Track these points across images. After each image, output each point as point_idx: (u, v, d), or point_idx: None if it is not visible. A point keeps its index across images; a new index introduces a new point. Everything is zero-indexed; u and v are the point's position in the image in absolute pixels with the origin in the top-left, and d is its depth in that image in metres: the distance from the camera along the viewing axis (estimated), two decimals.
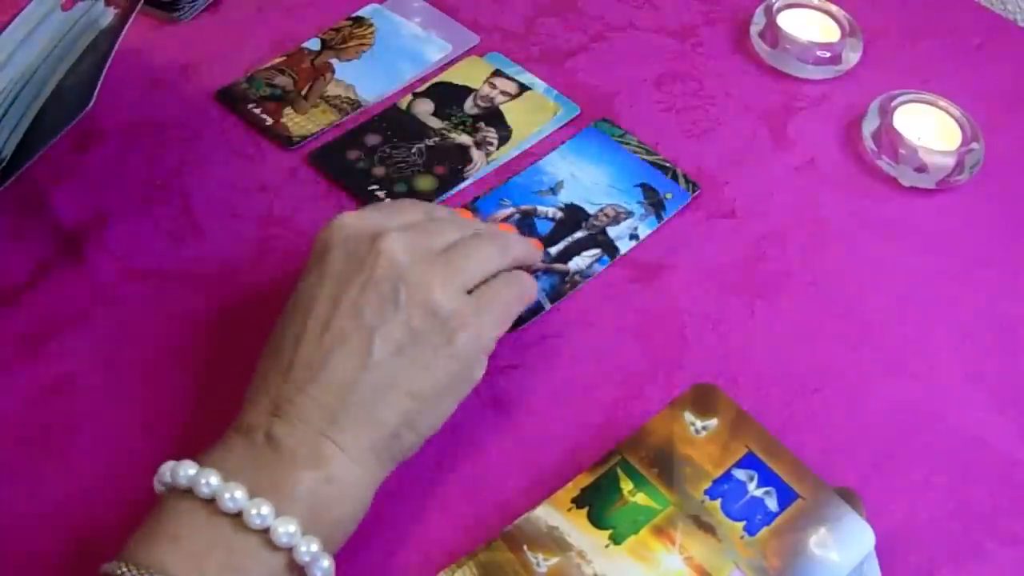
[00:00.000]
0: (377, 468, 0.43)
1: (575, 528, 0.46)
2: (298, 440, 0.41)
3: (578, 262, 0.59)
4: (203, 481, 0.39)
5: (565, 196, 0.62)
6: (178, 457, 0.41)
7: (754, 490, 0.47)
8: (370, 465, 0.43)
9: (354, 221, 0.46)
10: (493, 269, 0.48)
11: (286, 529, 0.39)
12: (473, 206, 0.61)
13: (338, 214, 0.47)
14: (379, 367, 0.43)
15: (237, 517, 0.39)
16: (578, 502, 0.47)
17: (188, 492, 0.40)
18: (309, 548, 0.39)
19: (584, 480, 0.48)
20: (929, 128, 0.66)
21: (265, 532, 0.39)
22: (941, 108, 0.67)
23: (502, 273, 0.49)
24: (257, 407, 0.43)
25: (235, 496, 0.39)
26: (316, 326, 0.43)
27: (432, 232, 0.48)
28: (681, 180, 0.63)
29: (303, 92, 0.68)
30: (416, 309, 0.44)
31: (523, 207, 0.62)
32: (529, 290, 0.50)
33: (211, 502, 0.39)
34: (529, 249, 0.52)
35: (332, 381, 0.42)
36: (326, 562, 0.40)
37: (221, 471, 0.40)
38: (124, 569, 0.38)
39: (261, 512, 0.39)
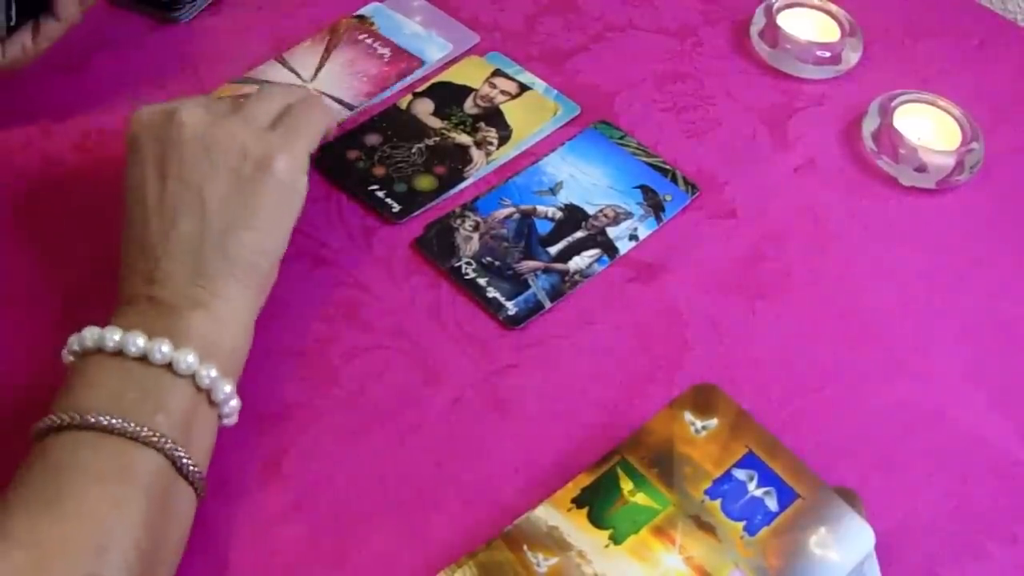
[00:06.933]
0: (248, 297, 0.49)
1: (575, 528, 0.46)
2: (173, 294, 0.47)
3: (577, 262, 0.59)
4: (108, 337, 0.45)
5: (564, 196, 0.62)
6: None
7: (754, 490, 0.47)
8: (240, 296, 0.49)
9: (148, 109, 0.52)
10: (278, 107, 0.54)
11: (185, 359, 0.45)
12: (473, 206, 0.61)
13: (135, 110, 0.52)
14: (216, 216, 0.49)
15: (143, 360, 0.45)
16: (578, 502, 0.47)
17: (97, 351, 0.45)
18: (208, 373, 0.45)
19: (584, 480, 0.48)
20: (929, 128, 0.66)
21: (168, 366, 0.45)
22: (941, 108, 0.67)
23: (299, 102, 0.55)
24: (132, 283, 0.48)
25: (137, 342, 0.44)
26: (154, 203, 0.49)
27: (222, 101, 0.54)
28: (680, 183, 0.63)
29: None
30: (229, 156, 0.50)
31: (523, 207, 0.62)
32: (326, 107, 0.59)
33: (118, 353, 0.45)
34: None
35: (183, 241, 0.48)
36: (228, 386, 0.46)
37: (121, 328, 0.45)
38: (52, 419, 0.43)
39: (162, 349, 0.44)
